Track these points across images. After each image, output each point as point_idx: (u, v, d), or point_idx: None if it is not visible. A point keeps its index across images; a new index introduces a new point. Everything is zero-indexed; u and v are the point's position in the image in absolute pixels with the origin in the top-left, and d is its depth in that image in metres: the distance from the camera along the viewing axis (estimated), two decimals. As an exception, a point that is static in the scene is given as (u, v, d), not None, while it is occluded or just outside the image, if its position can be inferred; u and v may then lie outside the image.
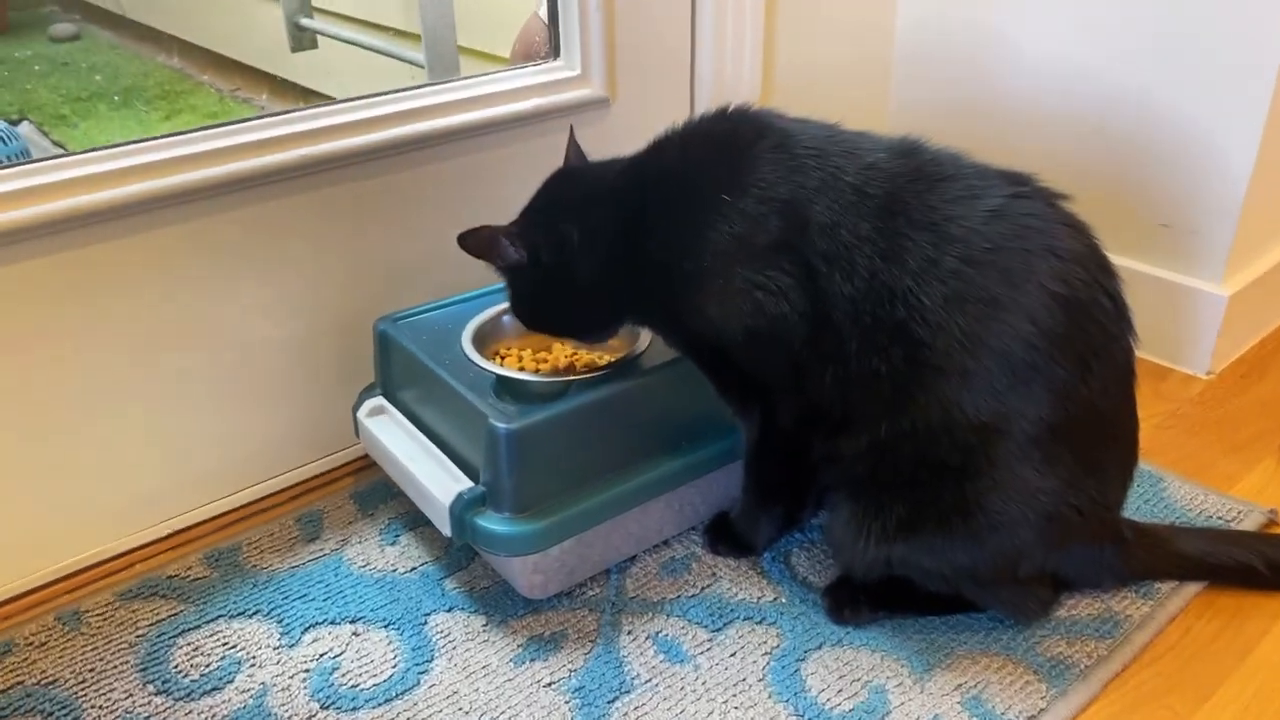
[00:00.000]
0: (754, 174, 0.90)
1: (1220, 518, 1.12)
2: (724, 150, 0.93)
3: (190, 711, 0.91)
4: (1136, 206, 1.40)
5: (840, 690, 0.92)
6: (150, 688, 0.93)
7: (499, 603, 1.02)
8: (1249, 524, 1.11)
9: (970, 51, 1.52)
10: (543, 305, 1.01)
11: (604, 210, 0.96)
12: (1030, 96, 1.47)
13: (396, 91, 1.18)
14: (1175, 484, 1.17)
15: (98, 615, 1.01)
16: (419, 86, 1.20)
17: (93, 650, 0.97)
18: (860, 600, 0.99)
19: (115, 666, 0.95)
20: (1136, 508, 1.12)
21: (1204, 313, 1.37)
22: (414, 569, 1.07)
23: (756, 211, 0.89)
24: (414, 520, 1.13)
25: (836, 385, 0.90)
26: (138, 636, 0.99)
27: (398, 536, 1.11)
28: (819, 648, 0.97)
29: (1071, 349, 0.85)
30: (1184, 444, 1.26)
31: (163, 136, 1.04)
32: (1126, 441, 0.94)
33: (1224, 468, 1.21)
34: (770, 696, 0.91)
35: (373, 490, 1.18)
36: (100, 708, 0.91)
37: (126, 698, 0.92)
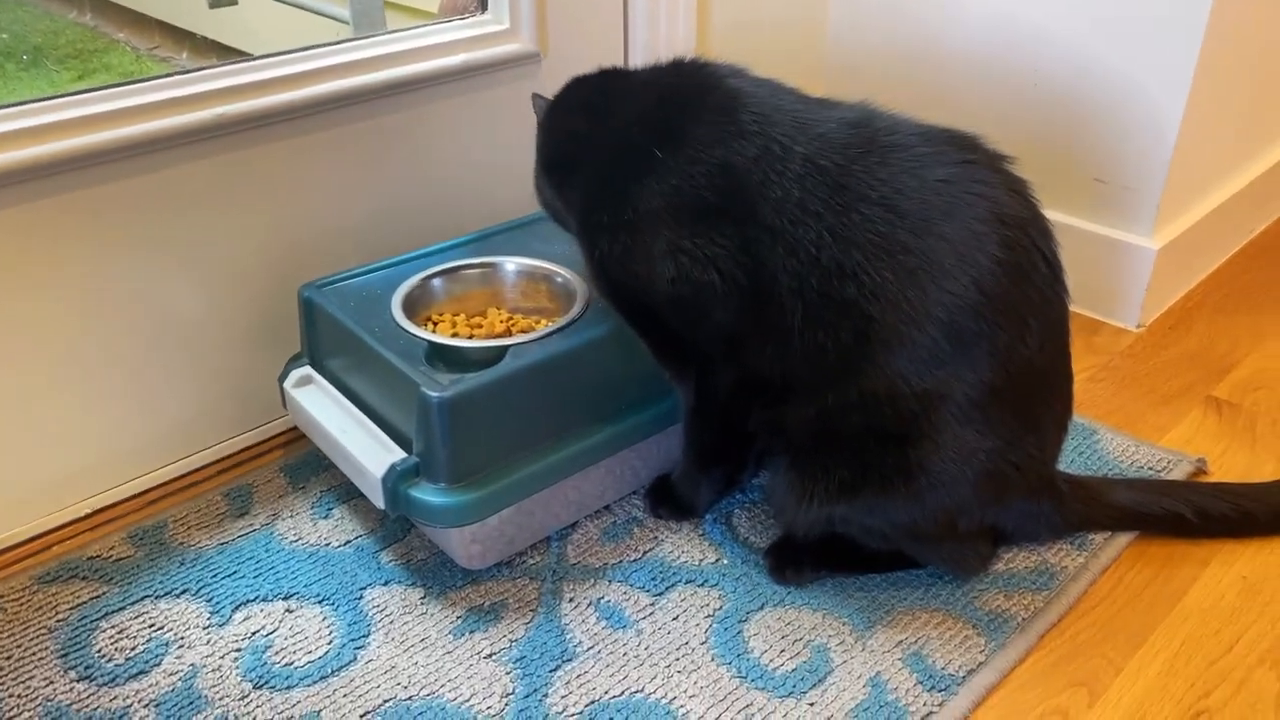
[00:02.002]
0: (691, 132, 0.88)
1: (1151, 468, 1.14)
2: (665, 104, 0.91)
3: (115, 697, 0.87)
4: (1070, 162, 1.41)
5: (783, 650, 0.92)
6: (72, 673, 0.90)
7: (437, 574, 1.00)
8: (1178, 473, 1.13)
9: (906, 8, 1.51)
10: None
11: (562, 130, 0.98)
12: (966, 51, 1.46)
13: (318, 46, 1.13)
14: (1107, 436, 1.19)
15: (13, 600, 0.97)
16: (341, 41, 1.15)
17: (9, 636, 0.93)
18: (802, 560, 0.99)
19: (34, 653, 0.91)
20: (1070, 460, 1.13)
21: (1134, 266, 1.39)
22: (348, 542, 1.04)
23: (688, 172, 0.87)
24: (347, 493, 1.10)
25: (778, 358, 0.89)
26: (58, 621, 0.95)
27: (330, 509, 1.08)
28: (761, 609, 0.96)
29: (1014, 311, 0.85)
30: (1115, 396, 1.28)
31: (69, 94, 0.98)
32: (1062, 397, 0.94)
33: (1154, 419, 1.24)
34: (713, 659, 0.91)
35: (303, 462, 1.15)
36: (19, 696, 0.87)
37: (47, 685, 0.88)
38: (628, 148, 0.90)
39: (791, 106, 0.90)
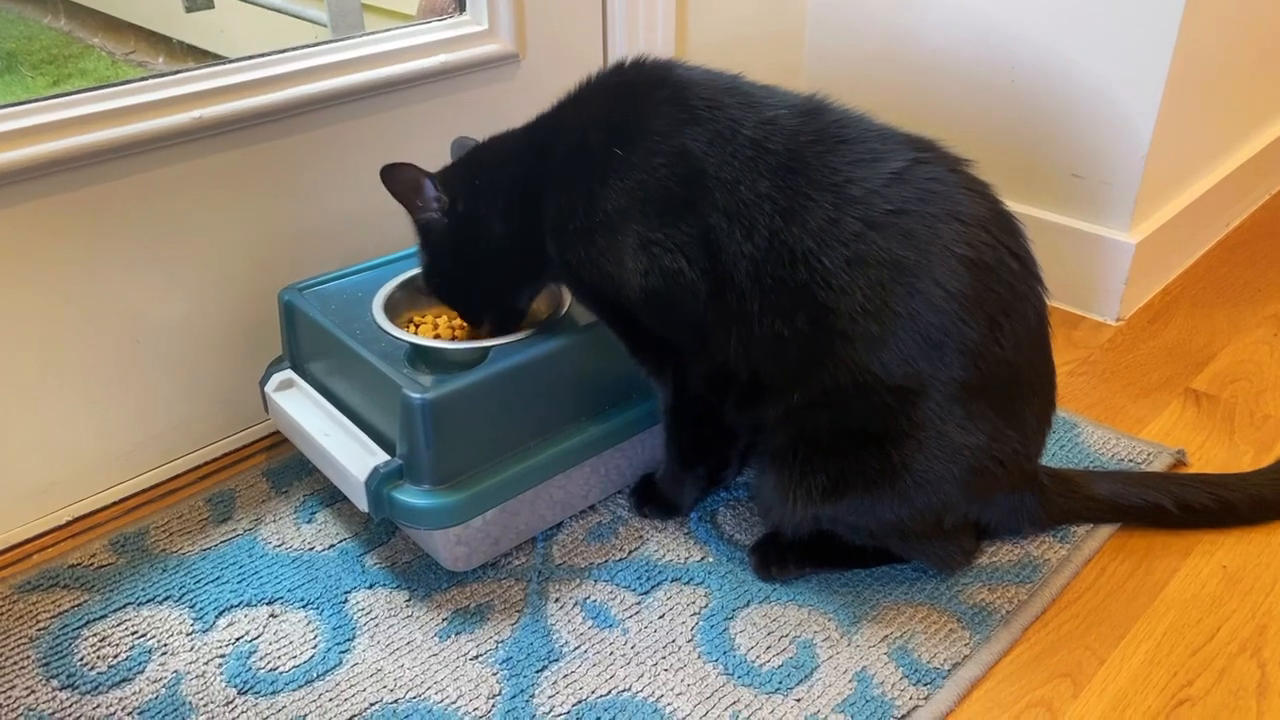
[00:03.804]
0: (646, 126, 0.88)
1: (1131, 460, 1.15)
2: (617, 104, 0.92)
3: (98, 705, 0.87)
4: (1048, 158, 1.42)
5: (769, 647, 0.92)
6: (54, 682, 0.89)
7: (422, 577, 1.00)
8: (1158, 465, 1.14)
9: (884, 6, 1.51)
10: (454, 267, 0.99)
11: (510, 168, 0.95)
12: (944, 51, 1.47)
13: (295, 49, 1.12)
14: (1088, 429, 1.19)
15: (-6, 610, 0.96)
16: (319, 44, 1.15)
17: (-10, 647, 0.92)
18: (787, 557, 1.00)
19: (15, 662, 0.90)
20: (1052, 454, 1.14)
21: (1113, 260, 1.40)
22: (332, 546, 1.03)
23: (648, 165, 0.87)
24: (331, 496, 1.09)
25: (742, 348, 0.89)
26: (39, 630, 0.94)
27: (314, 513, 1.08)
28: (747, 606, 0.96)
29: (981, 310, 0.85)
30: (1095, 390, 1.29)
31: (45, 98, 0.97)
32: (1044, 392, 0.95)
33: (1134, 412, 1.25)
34: (699, 656, 0.91)
35: (286, 467, 1.14)
36: (0, 706, 0.86)
37: (29, 694, 0.88)
38: (587, 154, 0.90)
39: (743, 89, 0.91)
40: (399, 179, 0.94)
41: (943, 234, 0.84)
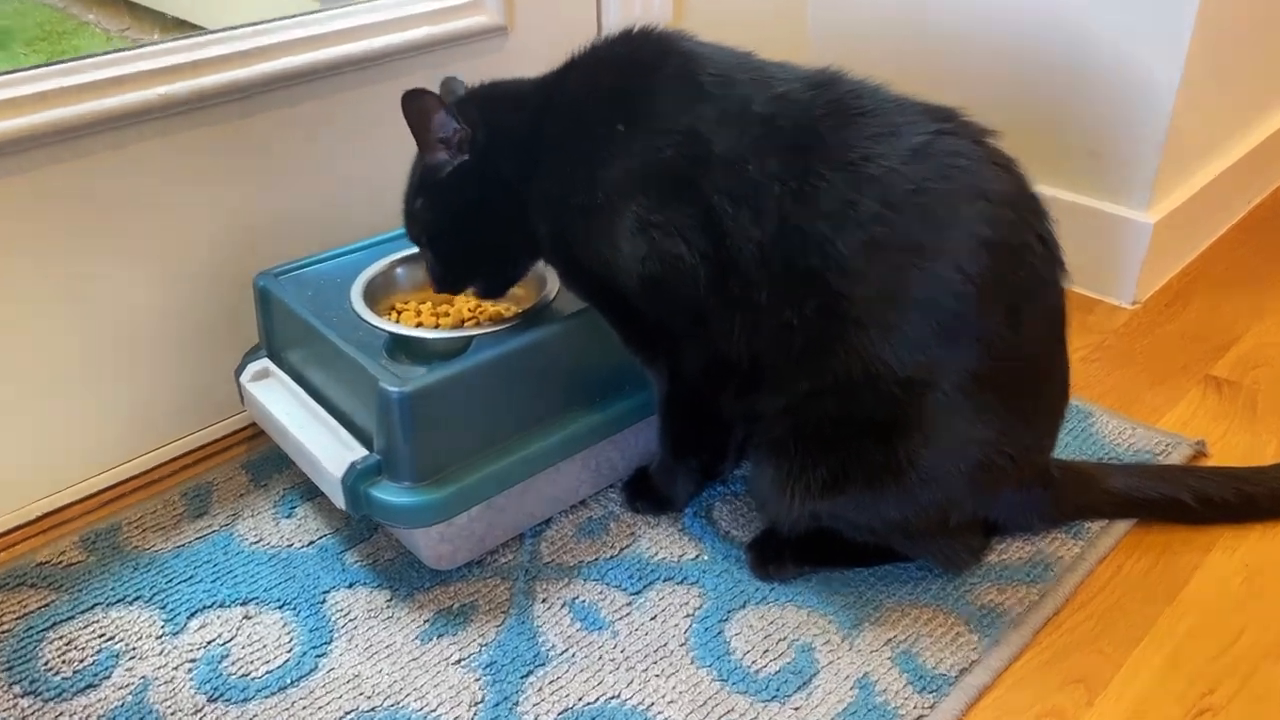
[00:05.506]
0: (652, 103, 0.84)
1: (1148, 451, 1.10)
2: (622, 76, 0.87)
3: (61, 713, 0.83)
4: (1064, 135, 1.37)
5: (766, 651, 0.88)
6: (16, 688, 0.85)
7: (404, 575, 0.95)
8: (1176, 457, 1.09)
9: (891, -27, 1.46)
10: (460, 214, 0.91)
11: (521, 119, 0.89)
12: (955, 23, 1.41)
13: (272, 20, 1.07)
14: (1103, 419, 1.14)
15: (-43, 611, 0.92)
16: (296, 15, 1.10)
17: (-49, 650, 0.88)
18: (785, 554, 0.95)
19: (-24, 667, 0.87)
20: (1065, 445, 1.09)
21: (1130, 241, 1.35)
22: (311, 543, 0.99)
23: (653, 144, 0.83)
24: (312, 490, 1.05)
25: (745, 336, 0.85)
26: (2, 632, 0.90)
27: (294, 508, 1.03)
28: (743, 607, 0.92)
29: (1001, 297, 0.80)
30: (1111, 377, 1.24)
31: (4, 73, 0.92)
32: (1057, 384, 0.90)
33: (1150, 400, 1.20)
34: (693, 661, 0.87)
35: (266, 459, 1.10)
36: (-41, 714, 0.83)
37: (-11, 701, 0.84)
38: (589, 129, 0.86)
39: (750, 64, 0.86)
40: (415, 106, 0.87)
41: (965, 213, 0.79)
